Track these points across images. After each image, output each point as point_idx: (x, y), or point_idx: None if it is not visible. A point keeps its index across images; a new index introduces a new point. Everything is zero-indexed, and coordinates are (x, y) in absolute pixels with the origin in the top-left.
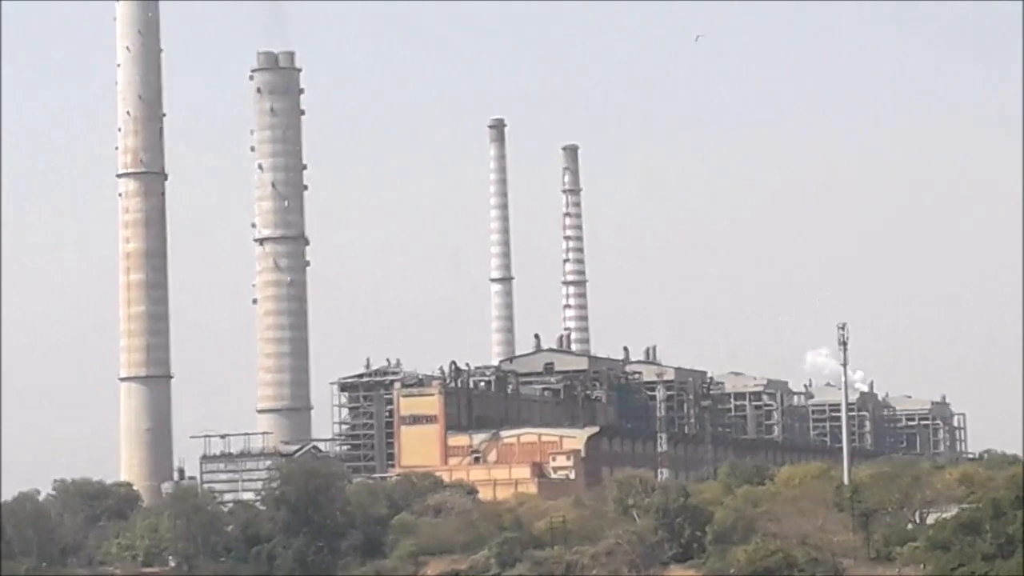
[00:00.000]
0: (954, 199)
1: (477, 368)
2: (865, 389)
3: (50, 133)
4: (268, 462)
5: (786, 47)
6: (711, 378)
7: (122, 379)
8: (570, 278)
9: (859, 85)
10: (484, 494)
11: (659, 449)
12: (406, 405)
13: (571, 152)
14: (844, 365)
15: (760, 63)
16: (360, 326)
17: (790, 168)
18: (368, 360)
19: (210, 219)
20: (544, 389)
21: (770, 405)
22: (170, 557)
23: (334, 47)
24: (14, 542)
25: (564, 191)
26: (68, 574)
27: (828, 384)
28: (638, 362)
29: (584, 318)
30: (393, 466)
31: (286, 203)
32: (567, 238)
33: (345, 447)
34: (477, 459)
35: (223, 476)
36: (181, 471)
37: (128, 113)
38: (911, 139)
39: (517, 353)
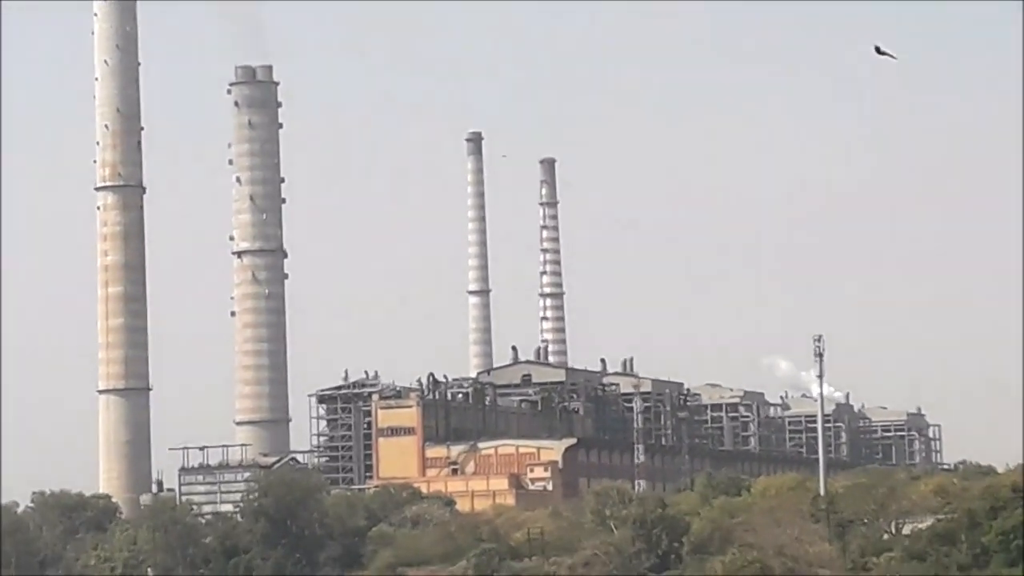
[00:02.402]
0: (930, 211)
1: (455, 380)
2: (841, 400)
3: (28, 146)
4: (246, 474)
5: (757, 55)
6: (688, 389)
7: (100, 391)
8: (547, 290)
9: (831, 96)
10: (462, 505)
11: (636, 460)
12: (384, 417)
13: (548, 165)
14: (820, 377)
15: (731, 74)
16: (338, 338)
17: (765, 181)
18: (346, 372)
19: (189, 232)
20: (521, 401)
21: (746, 416)
22: (149, 569)
23: (312, 61)
24: None
25: (541, 204)
26: None
27: (804, 395)
28: (615, 374)
29: (561, 330)
30: (371, 478)
31: (264, 216)
32: (544, 250)
33: (323, 459)
34: (455, 470)
35: (201, 488)
36: (160, 483)
37: (106, 127)
38: (882, 149)
39: (495, 365)
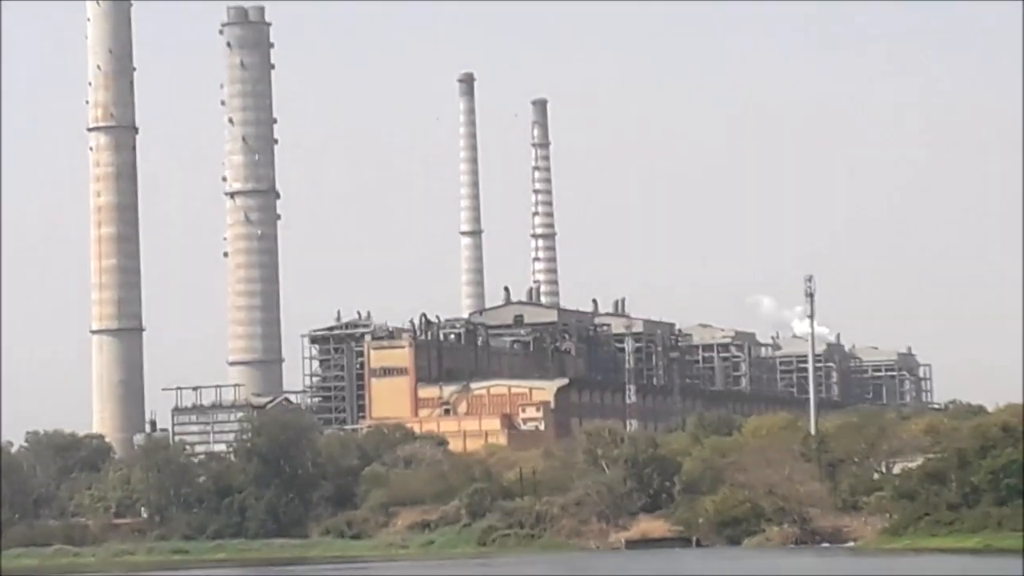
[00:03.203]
0: (923, 147)
1: (447, 321)
2: (832, 340)
3: (20, 87)
4: (239, 414)
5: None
6: (679, 330)
7: (93, 332)
8: (539, 231)
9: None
10: (454, 445)
11: (628, 400)
12: (376, 357)
13: (540, 106)
14: (811, 317)
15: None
16: (330, 279)
17: (757, 118)
18: (339, 313)
19: (181, 173)
20: (514, 341)
21: (738, 357)
22: (142, 508)
23: (304, 2)
24: None
25: (533, 145)
26: (41, 525)
27: (795, 336)
28: (607, 314)
29: (553, 271)
30: (364, 418)
31: (256, 157)
32: (536, 191)
33: (316, 399)
34: (447, 411)
35: (195, 428)
36: (153, 423)
37: (98, 67)
38: (879, 83)
39: (487, 306)
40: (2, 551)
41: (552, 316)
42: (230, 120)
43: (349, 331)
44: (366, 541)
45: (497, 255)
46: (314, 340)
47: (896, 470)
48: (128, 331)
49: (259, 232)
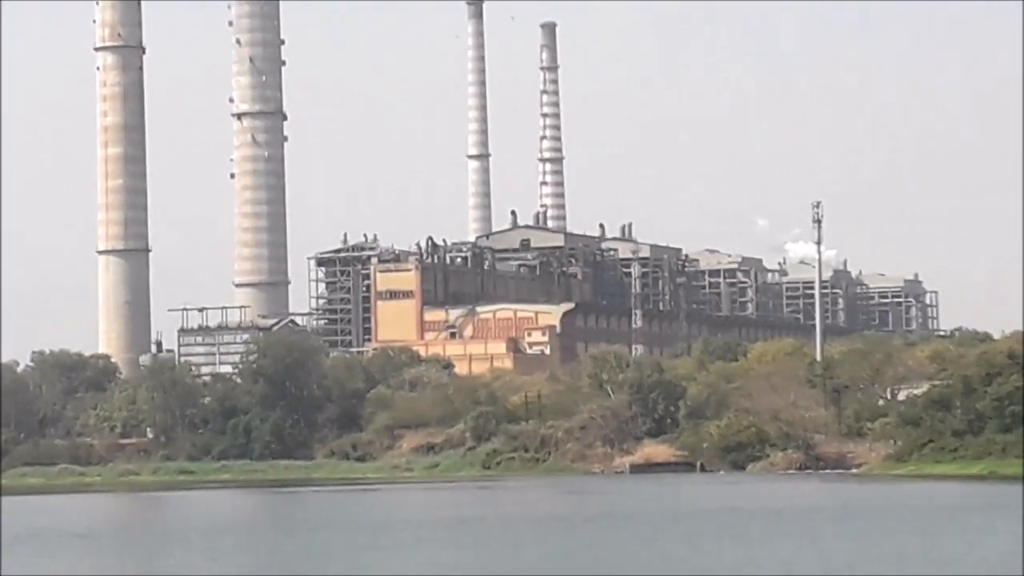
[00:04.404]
0: (929, 74)
1: (453, 244)
2: (839, 267)
3: (26, 5)
4: (245, 336)
5: None
6: (686, 255)
7: (100, 252)
8: (547, 155)
9: None
10: (460, 369)
11: (634, 325)
12: (383, 280)
13: (549, 30)
14: (818, 243)
15: None
16: (337, 202)
17: (768, 44)
18: (345, 235)
19: (188, 94)
20: (520, 265)
21: (744, 282)
22: (148, 429)
23: None
24: None
25: (542, 68)
26: (46, 444)
27: (802, 262)
28: (614, 239)
29: (560, 195)
30: (369, 340)
31: (264, 78)
32: (544, 115)
33: (322, 321)
34: (453, 334)
35: (200, 349)
36: (159, 344)
37: None
38: (886, 8)
39: (493, 229)
40: (3, 470)
41: (559, 240)
42: (237, 41)
43: (355, 254)
44: (371, 463)
45: (504, 179)
46: (320, 262)
47: (901, 397)
48: (134, 252)
49: (266, 154)
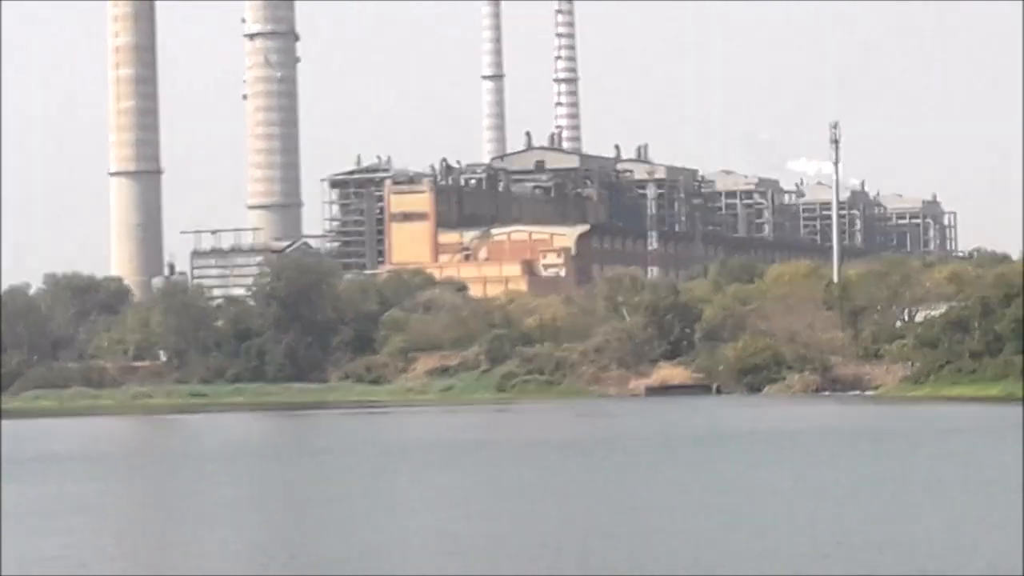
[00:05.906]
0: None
1: (468, 166)
2: (857, 188)
3: None
4: (259, 258)
5: None
6: (702, 176)
7: (112, 174)
8: (562, 76)
9: None
10: (474, 291)
11: (649, 247)
12: (397, 202)
13: None
14: (836, 164)
15: None
16: (351, 123)
17: None
18: (359, 157)
19: (200, 14)
20: (535, 187)
21: (761, 203)
22: (160, 351)
23: None
24: (5, 336)
25: None
26: (59, 367)
27: (819, 183)
28: (629, 160)
29: (576, 116)
30: (383, 263)
31: None
32: (559, 35)
33: (336, 244)
34: (467, 256)
35: (213, 272)
36: (171, 266)
37: None
38: None
39: (508, 151)
40: (17, 393)
41: (574, 162)
42: None
43: (369, 175)
44: (385, 386)
45: (519, 100)
46: (334, 184)
47: (919, 318)
48: (146, 173)
49: (278, 75)
